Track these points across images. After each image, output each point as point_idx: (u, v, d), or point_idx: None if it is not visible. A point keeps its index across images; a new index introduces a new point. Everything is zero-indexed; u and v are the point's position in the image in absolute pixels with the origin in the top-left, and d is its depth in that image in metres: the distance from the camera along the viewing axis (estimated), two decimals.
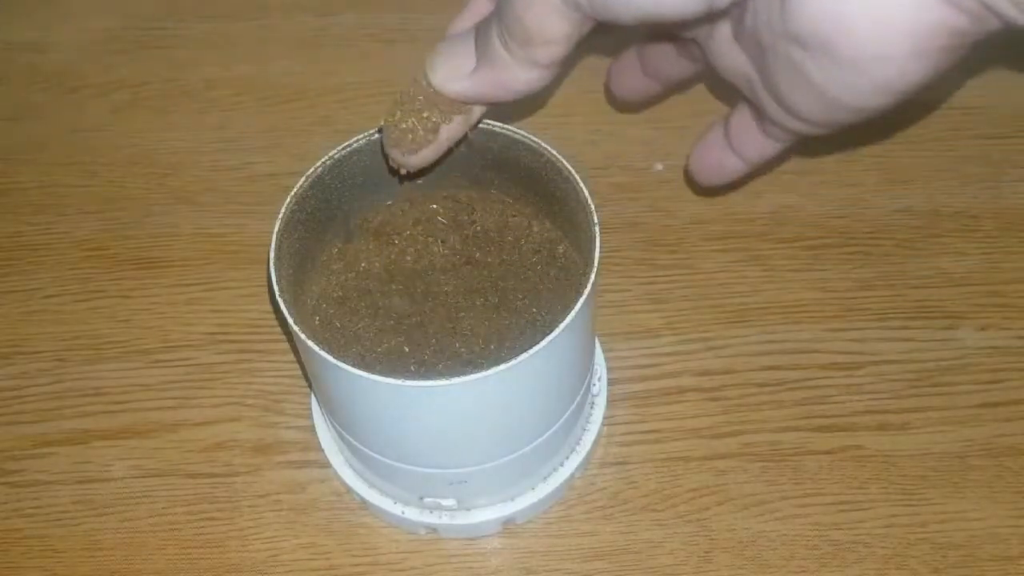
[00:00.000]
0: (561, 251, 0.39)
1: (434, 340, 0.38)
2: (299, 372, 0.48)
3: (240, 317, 0.49)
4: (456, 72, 0.34)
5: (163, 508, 0.44)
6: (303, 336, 0.33)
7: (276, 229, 0.36)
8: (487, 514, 0.42)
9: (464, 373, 0.32)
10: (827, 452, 0.45)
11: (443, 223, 0.40)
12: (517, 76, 0.33)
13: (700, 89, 0.57)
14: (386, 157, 0.37)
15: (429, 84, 0.35)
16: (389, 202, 0.41)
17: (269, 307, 0.50)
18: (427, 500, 0.41)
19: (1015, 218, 0.51)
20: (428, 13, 0.60)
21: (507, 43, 0.32)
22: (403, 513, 0.42)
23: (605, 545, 0.43)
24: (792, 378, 0.47)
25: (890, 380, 0.46)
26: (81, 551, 0.43)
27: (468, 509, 0.42)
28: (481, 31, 0.33)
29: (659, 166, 0.54)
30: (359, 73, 0.58)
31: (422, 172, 0.38)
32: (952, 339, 0.48)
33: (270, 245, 0.36)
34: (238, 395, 0.47)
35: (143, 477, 0.45)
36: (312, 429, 0.46)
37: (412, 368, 0.37)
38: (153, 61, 0.59)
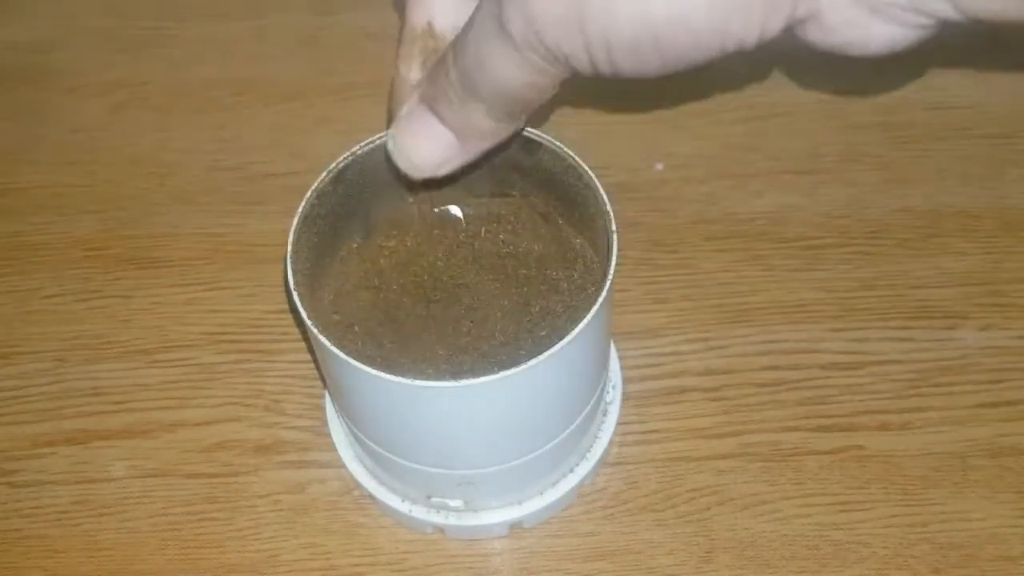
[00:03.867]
0: (580, 253, 0.39)
1: (449, 340, 0.38)
2: (300, 372, 0.47)
3: (240, 317, 0.49)
4: (438, 156, 0.32)
5: (163, 508, 0.44)
6: (315, 331, 0.33)
7: (295, 223, 0.36)
8: (494, 517, 0.42)
9: (477, 375, 0.32)
10: (828, 452, 0.45)
11: (463, 223, 0.40)
12: (507, 131, 0.31)
13: (699, 87, 0.57)
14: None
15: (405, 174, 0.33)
16: (411, 200, 0.40)
17: (269, 307, 0.50)
18: (434, 500, 0.41)
19: (1016, 218, 0.51)
20: None
21: (493, 113, 0.30)
22: (410, 511, 0.42)
23: (606, 545, 0.43)
24: (792, 378, 0.47)
25: (891, 380, 0.46)
26: (81, 551, 0.43)
27: (475, 511, 0.42)
28: (446, 108, 0.30)
29: (659, 166, 0.54)
30: (359, 73, 0.58)
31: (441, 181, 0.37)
32: (953, 339, 0.48)
33: (288, 239, 0.35)
34: (238, 395, 0.47)
35: (143, 477, 0.45)
36: (312, 429, 0.46)
37: (425, 367, 0.37)
38: (153, 61, 0.59)
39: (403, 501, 0.42)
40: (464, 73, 0.29)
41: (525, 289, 0.39)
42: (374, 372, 0.32)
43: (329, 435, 0.44)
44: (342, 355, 0.33)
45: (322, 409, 0.46)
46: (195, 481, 0.45)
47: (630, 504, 0.44)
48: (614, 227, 0.35)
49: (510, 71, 0.28)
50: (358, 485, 0.43)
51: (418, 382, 0.32)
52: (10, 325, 0.49)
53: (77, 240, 0.52)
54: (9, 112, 0.57)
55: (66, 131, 0.56)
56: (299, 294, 0.34)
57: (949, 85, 0.56)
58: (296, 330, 0.49)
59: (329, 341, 0.33)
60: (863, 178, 0.53)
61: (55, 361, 0.48)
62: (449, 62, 0.30)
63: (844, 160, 0.54)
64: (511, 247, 0.40)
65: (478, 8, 0.28)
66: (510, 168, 0.39)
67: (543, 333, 0.37)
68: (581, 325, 0.33)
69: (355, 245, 0.40)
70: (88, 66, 0.59)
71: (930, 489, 0.44)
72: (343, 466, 0.44)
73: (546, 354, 0.32)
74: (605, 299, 0.34)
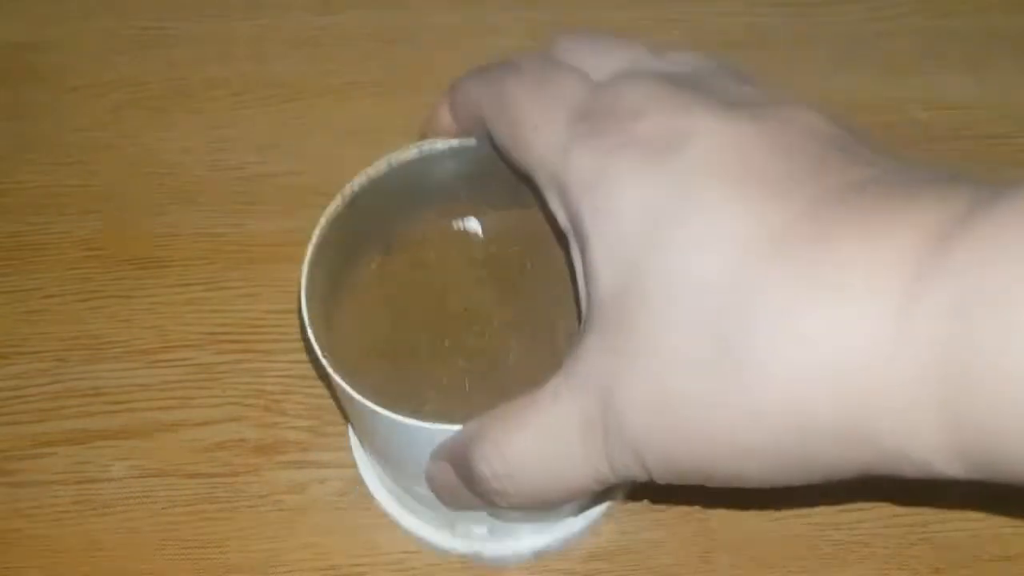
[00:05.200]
0: None
1: (472, 369, 0.37)
2: (300, 372, 0.47)
3: (240, 317, 0.49)
4: None
5: (163, 508, 0.44)
6: (341, 382, 0.32)
7: (307, 259, 0.35)
8: (519, 546, 0.41)
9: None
10: None
11: (483, 239, 0.40)
12: None
13: None
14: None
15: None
16: (431, 216, 0.39)
17: (269, 307, 0.50)
18: (459, 527, 0.40)
19: None
20: (428, 13, 0.60)
21: (506, 506, 0.28)
22: (433, 538, 0.41)
23: (606, 545, 0.43)
24: None
25: None
26: (81, 551, 0.43)
27: (500, 540, 0.41)
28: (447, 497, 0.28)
29: None
30: (359, 73, 0.58)
31: None
32: None
33: (302, 272, 0.34)
34: (238, 395, 0.47)
35: (143, 477, 0.45)
36: (312, 429, 0.46)
37: (446, 398, 0.36)
38: (153, 61, 0.59)
39: (425, 526, 0.41)
40: (490, 476, 0.27)
41: (550, 310, 0.38)
42: (393, 416, 0.31)
43: (351, 450, 0.44)
44: (362, 400, 0.32)
45: (322, 409, 0.46)
46: (195, 481, 0.45)
47: (630, 504, 0.44)
48: None
49: (569, 481, 0.26)
50: (385, 514, 0.43)
51: (438, 426, 0.31)
52: (10, 325, 0.49)
53: (77, 240, 0.52)
54: (9, 112, 0.57)
55: (66, 131, 0.56)
56: (317, 338, 0.33)
57: (949, 85, 0.56)
58: (296, 330, 0.49)
59: (347, 381, 0.32)
60: None
61: (55, 361, 0.48)
62: (476, 463, 0.27)
63: None
64: (531, 263, 0.39)
65: (546, 407, 0.26)
66: (534, 186, 0.39)
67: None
68: None
69: (374, 264, 0.39)
70: (88, 66, 0.59)
71: (930, 488, 0.44)
72: (361, 483, 0.43)
73: None
74: None
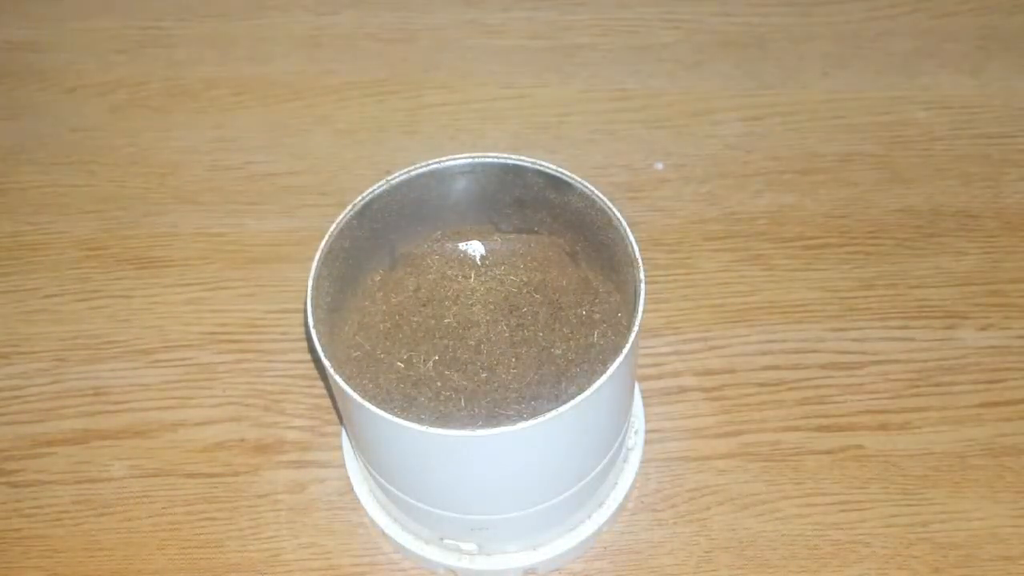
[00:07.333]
0: (605, 298, 0.39)
1: (468, 383, 0.37)
2: (300, 372, 0.47)
3: (240, 317, 0.49)
4: None
5: (163, 508, 0.44)
6: (339, 379, 0.33)
7: (313, 270, 0.35)
8: (508, 562, 0.41)
9: (494, 423, 0.32)
10: (827, 452, 0.45)
11: (487, 259, 0.40)
12: None
13: (699, 87, 0.57)
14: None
15: None
16: (437, 234, 0.40)
17: (269, 307, 0.50)
18: (447, 542, 0.40)
19: (1015, 217, 0.51)
20: (428, 13, 0.60)
21: None
22: (422, 552, 0.41)
23: (606, 545, 0.43)
24: (792, 378, 0.47)
25: (891, 380, 0.46)
26: (81, 551, 0.43)
27: (489, 555, 0.41)
28: None
29: (659, 166, 0.54)
30: (359, 73, 0.58)
31: None
32: (952, 339, 0.48)
33: (309, 277, 0.35)
34: (238, 395, 0.47)
35: (143, 477, 0.45)
36: (312, 429, 0.46)
37: (441, 410, 0.36)
38: (153, 61, 0.59)
39: (415, 540, 0.41)
40: None
41: (547, 332, 0.38)
42: (389, 417, 0.32)
43: (344, 466, 0.44)
44: (364, 401, 0.32)
45: (322, 409, 0.46)
46: (195, 481, 0.45)
47: (630, 504, 0.44)
48: (643, 275, 0.34)
49: None
50: (372, 523, 0.43)
51: (430, 429, 0.31)
52: (10, 325, 0.49)
53: (77, 240, 0.52)
54: (9, 112, 0.57)
55: (66, 131, 0.56)
56: (318, 332, 0.34)
57: (949, 85, 0.56)
58: (295, 330, 0.49)
59: (345, 380, 0.32)
60: (863, 178, 0.53)
61: (55, 361, 0.48)
62: None
63: (844, 160, 0.54)
64: (534, 286, 0.39)
65: None
66: (539, 205, 0.39)
67: (563, 383, 0.37)
68: (603, 379, 0.32)
69: (378, 277, 0.39)
70: (88, 66, 0.59)
71: (930, 489, 0.44)
72: (353, 493, 0.43)
73: (565, 407, 0.32)
74: (629, 352, 0.33)
